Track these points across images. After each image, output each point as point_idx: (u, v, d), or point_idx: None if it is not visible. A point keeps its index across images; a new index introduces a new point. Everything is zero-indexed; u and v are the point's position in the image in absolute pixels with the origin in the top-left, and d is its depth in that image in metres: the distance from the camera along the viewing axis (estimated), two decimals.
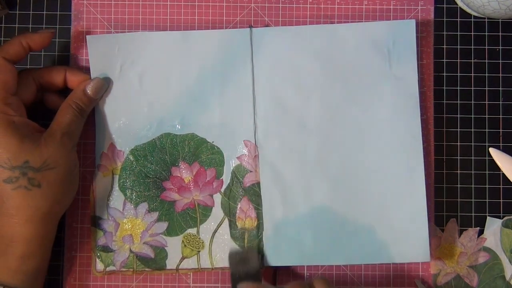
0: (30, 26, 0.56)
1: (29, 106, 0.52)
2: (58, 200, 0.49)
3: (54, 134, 0.49)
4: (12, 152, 0.47)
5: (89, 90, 0.52)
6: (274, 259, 0.53)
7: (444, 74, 0.56)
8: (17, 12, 0.56)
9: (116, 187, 0.54)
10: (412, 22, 0.54)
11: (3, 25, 0.56)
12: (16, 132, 0.47)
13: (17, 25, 0.56)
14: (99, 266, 0.54)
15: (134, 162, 0.54)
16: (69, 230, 0.55)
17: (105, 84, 0.54)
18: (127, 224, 0.54)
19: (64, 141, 0.49)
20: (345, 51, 0.54)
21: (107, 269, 0.54)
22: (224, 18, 0.56)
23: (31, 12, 0.56)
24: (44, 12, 0.56)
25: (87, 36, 0.54)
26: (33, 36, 0.51)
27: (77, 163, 0.51)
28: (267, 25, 0.56)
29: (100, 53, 0.54)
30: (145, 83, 0.54)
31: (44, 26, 0.56)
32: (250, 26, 0.55)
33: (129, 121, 0.54)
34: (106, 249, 0.54)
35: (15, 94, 0.50)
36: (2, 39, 0.56)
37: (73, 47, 0.56)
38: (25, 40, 0.50)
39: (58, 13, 0.56)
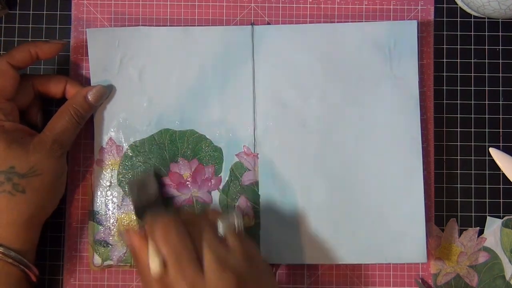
0: (30, 26, 0.56)
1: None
2: (42, 206, 0.49)
3: (44, 141, 0.49)
4: None
5: (90, 97, 0.52)
6: (272, 257, 0.53)
7: (444, 74, 0.56)
8: (17, 12, 0.56)
9: (114, 182, 0.54)
10: (414, 23, 0.54)
11: (3, 25, 0.56)
12: (3, 137, 0.47)
13: (17, 25, 0.56)
14: (97, 260, 0.54)
15: (133, 157, 0.54)
16: (69, 230, 0.55)
17: (107, 92, 0.53)
18: (125, 219, 0.54)
19: (54, 148, 0.49)
20: (346, 50, 0.54)
21: (105, 263, 0.54)
22: (224, 18, 0.56)
23: (31, 12, 0.56)
24: (44, 12, 0.56)
25: (87, 29, 0.54)
26: (43, 45, 0.50)
27: (65, 170, 0.51)
28: (268, 24, 0.56)
29: (100, 46, 0.54)
30: (145, 78, 0.54)
31: (44, 26, 0.56)
32: (252, 24, 0.55)
33: (128, 116, 0.54)
34: (104, 243, 0.54)
35: (11, 99, 0.49)
36: (2, 39, 0.56)
37: (73, 47, 0.56)
38: (34, 49, 0.50)
39: (58, 13, 0.56)
